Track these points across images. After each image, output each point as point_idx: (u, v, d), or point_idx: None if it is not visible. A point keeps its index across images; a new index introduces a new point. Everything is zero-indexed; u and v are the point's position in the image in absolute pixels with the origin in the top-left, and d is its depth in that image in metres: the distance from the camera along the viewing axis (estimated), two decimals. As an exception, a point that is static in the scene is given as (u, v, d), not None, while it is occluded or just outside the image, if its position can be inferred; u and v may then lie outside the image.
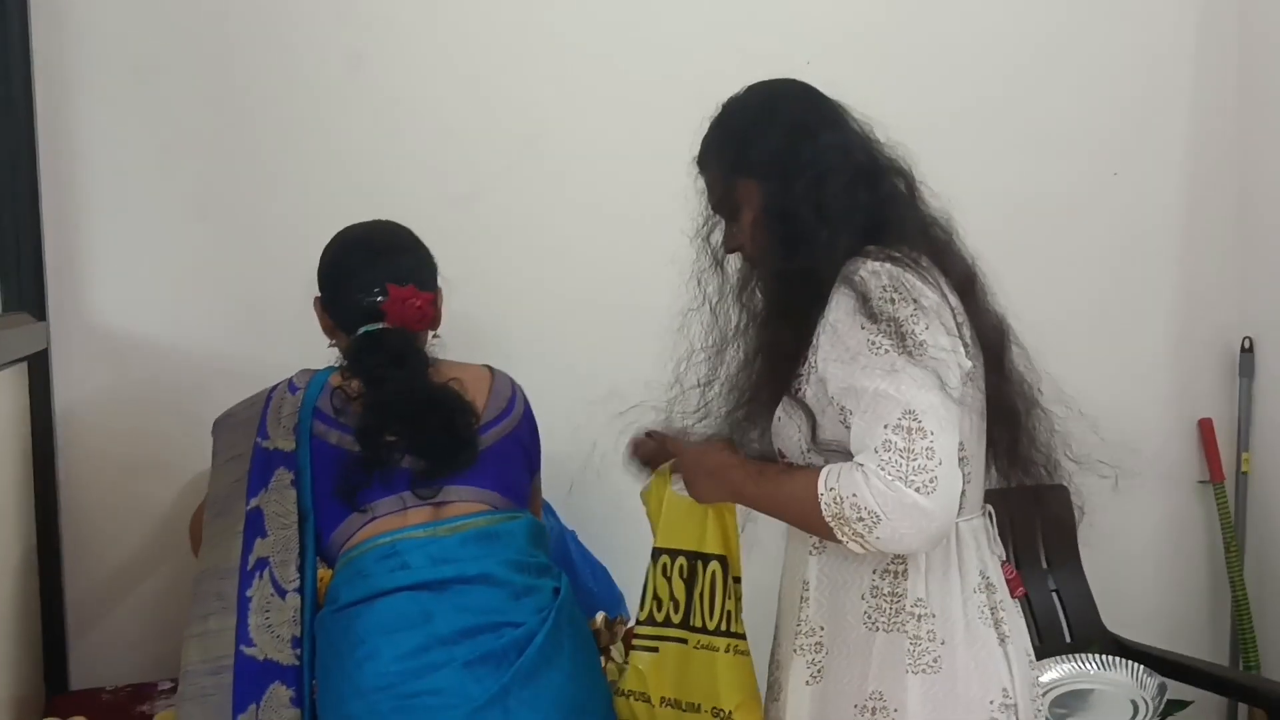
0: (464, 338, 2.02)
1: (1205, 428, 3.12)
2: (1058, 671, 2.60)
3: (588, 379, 2.50)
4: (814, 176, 1.60)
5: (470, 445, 1.86)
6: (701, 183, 1.75)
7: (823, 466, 1.49)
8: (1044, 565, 2.92)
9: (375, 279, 1.88)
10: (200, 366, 2.44)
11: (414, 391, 1.84)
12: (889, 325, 1.47)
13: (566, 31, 2.68)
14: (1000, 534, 2.80)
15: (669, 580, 1.86)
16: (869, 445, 1.44)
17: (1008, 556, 1.76)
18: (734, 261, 1.73)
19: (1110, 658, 2.63)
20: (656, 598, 1.87)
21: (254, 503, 1.78)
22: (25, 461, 2.32)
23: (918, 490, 1.41)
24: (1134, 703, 2.52)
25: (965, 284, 1.66)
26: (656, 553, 1.89)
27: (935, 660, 1.56)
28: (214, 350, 2.47)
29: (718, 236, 1.74)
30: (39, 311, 2.35)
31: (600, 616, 2.40)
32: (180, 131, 2.47)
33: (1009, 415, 1.73)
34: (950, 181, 2.85)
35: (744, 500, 1.69)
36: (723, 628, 1.80)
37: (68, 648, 2.42)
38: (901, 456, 1.42)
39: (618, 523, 2.62)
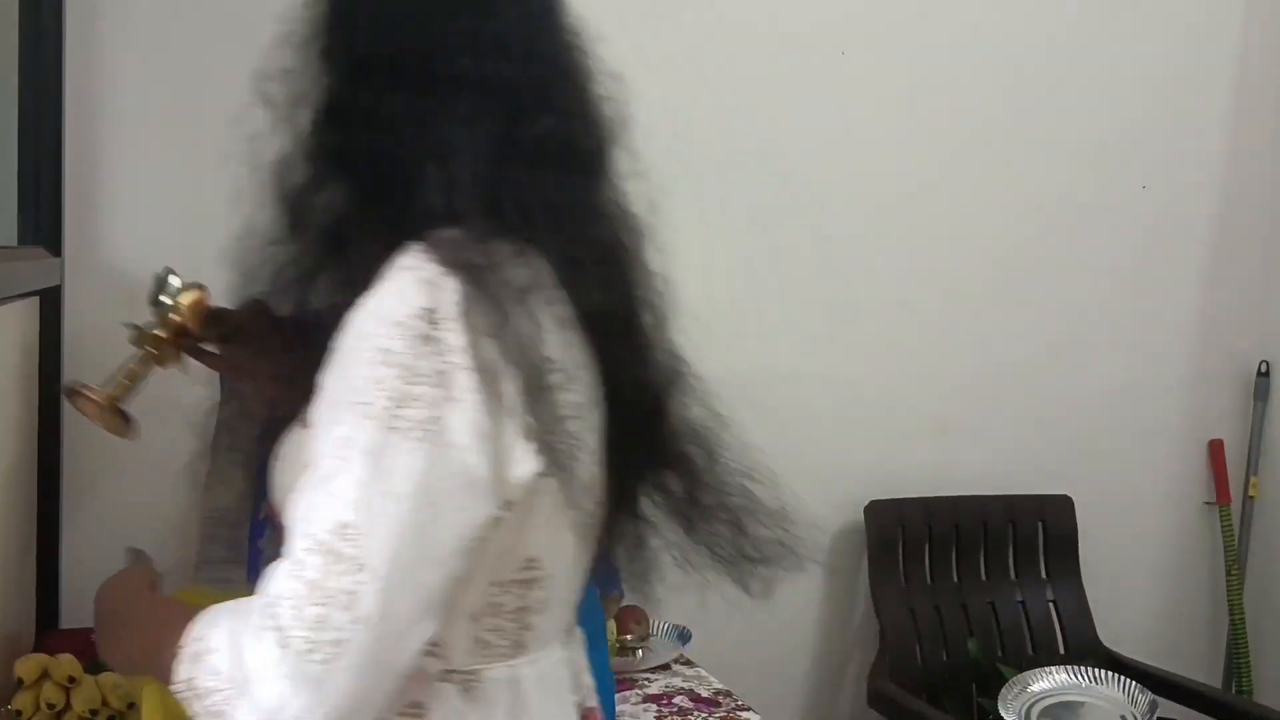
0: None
1: (1216, 449, 3.10)
2: (1050, 682, 2.59)
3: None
4: (440, 84, 1.03)
5: None
6: None
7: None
8: (1043, 575, 2.91)
9: None
10: (212, 314, 2.44)
11: None
12: (402, 376, 0.93)
13: (597, 11, 2.65)
14: (1000, 541, 2.88)
15: None
16: (285, 557, 0.94)
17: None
18: None
19: (1103, 672, 2.61)
20: None
21: None
22: (30, 396, 2.31)
23: (312, 659, 0.89)
24: (1124, 718, 2.51)
25: (619, 319, 1.09)
26: None
27: None
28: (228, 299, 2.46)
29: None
30: (55, 247, 2.34)
31: (594, 593, 2.38)
32: (209, 76, 2.44)
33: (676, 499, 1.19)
34: (975, 182, 2.87)
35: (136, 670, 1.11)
36: None
37: (60, 586, 2.42)
38: (309, 591, 0.90)
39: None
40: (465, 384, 0.94)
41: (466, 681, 1.07)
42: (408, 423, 0.93)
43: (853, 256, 2.83)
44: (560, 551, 1.09)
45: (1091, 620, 2.89)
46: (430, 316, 0.94)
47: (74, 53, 2.36)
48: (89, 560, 2.46)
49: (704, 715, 2.18)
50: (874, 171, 2.83)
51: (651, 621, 2.50)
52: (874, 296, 2.85)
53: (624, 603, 2.48)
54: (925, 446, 2.90)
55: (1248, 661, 3.05)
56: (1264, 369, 3.09)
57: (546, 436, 0.99)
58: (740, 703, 2.24)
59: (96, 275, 2.41)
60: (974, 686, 2.76)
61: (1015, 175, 2.91)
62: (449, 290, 0.95)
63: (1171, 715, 2.69)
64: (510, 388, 0.97)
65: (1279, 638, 3.12)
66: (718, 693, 2.29)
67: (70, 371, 2.40)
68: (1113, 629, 2.91)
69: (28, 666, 1.93)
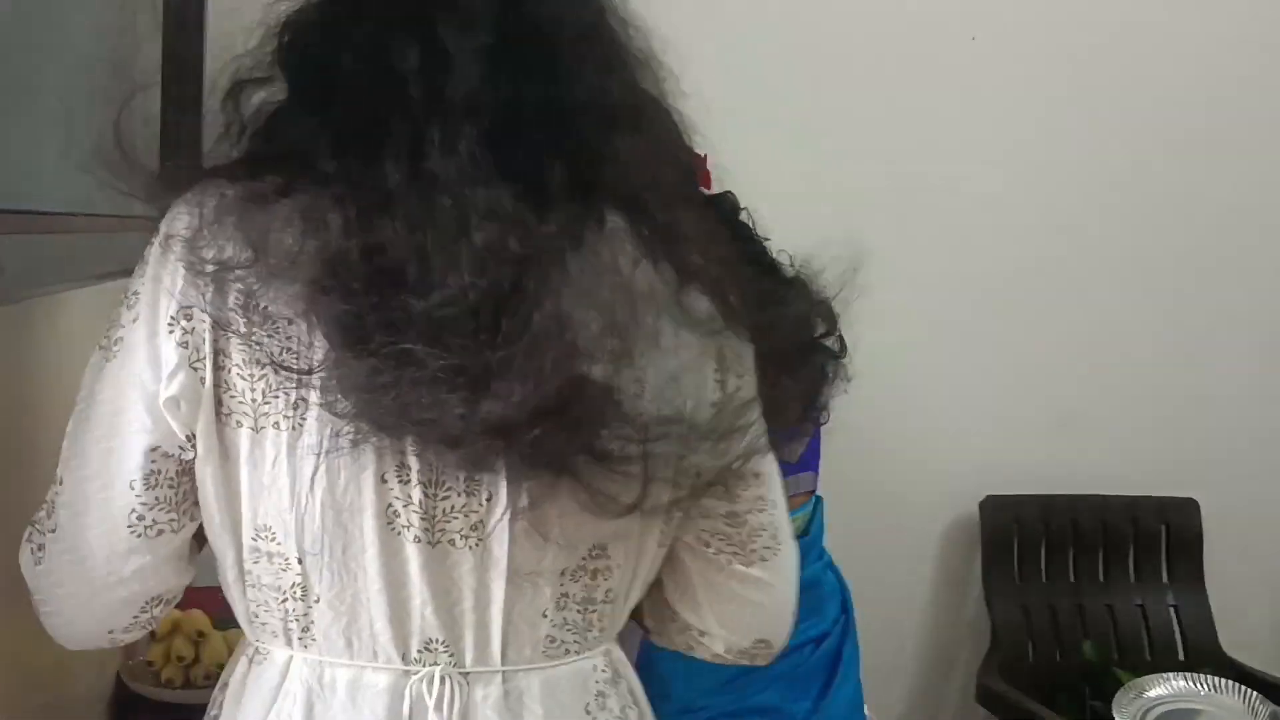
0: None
1: (1351, 455, 2.99)
2: (1167, 688, 2.53)
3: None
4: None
5: None
6: None
7: None
8: (1165, 579, 2.85)
9: None
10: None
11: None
12: (129, 295, 0.99)
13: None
14: (1120, 542, 2.82)
15: None
16: None
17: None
18: None
19: (1223, 680, 2.54)
20: None
21: None
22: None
23: (32, 550, 1.04)
24: (1241, 728, 2.45)
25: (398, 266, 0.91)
26: None
27: None
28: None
29: None
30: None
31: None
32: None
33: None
34: (1109, 174, 2.80)
35: None
36: None
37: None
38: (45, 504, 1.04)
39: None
40: (153, 296, 0.97)
41: (256, 656, 1.08)
42: (111, 338, 0.99)
43: (978, 247, 2.78)
44: (306, 527, 0.98)
45: (1214, 627, 2.82)
46: (161, 240, 0.97)
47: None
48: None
49: (810, 702, 2.18)
50: (1002, 161, 2.78)
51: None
52: (999, 287, 2.80)
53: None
54: (1045, 442, 2.85)
55: (1376, 675, 2.95)
56: None
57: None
58: (847, 692, 2.24)
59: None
60: (1087, 689, 2.71)
61: (1152, 168, 2.84)
62: (187, 217, 0.95)
63: (1294, 726, 2.61)
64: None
65: None
66: (824, 681, 2.29)
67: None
68: (1236, 637, 2.83)
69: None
